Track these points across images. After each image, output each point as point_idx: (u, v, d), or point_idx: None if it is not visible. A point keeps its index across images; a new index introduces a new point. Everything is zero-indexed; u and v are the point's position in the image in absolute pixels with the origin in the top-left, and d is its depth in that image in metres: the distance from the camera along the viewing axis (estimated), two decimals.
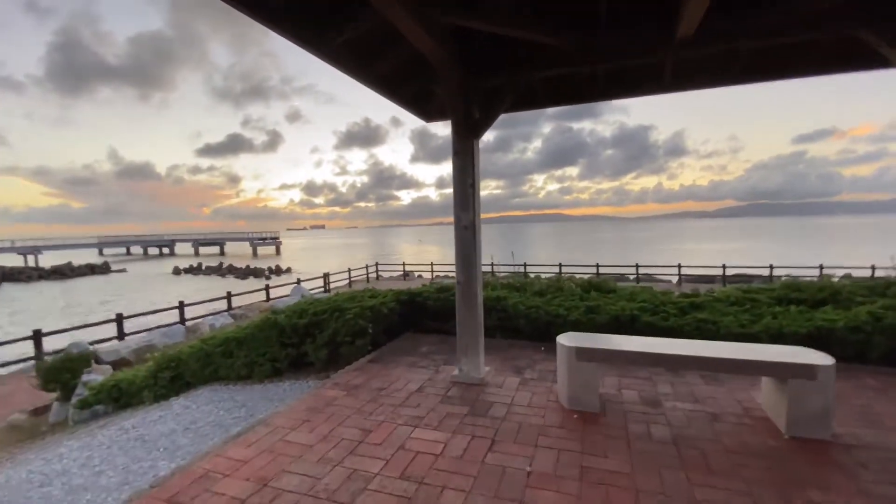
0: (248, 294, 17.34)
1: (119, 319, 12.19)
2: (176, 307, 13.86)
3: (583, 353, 3.40)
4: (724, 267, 21.96)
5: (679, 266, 22.65)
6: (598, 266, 24.33)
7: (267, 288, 17.15)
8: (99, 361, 8.13)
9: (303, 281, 20.32)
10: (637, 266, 23.57)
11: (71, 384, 7.53)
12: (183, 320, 13.67)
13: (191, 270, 49.06)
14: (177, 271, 48.87)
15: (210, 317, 12.95)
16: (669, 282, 24.74)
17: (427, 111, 4.62)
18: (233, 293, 15.67)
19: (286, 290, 16.97)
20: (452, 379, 4.13)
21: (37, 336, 10.39)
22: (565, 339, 3.61)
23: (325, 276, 20.97)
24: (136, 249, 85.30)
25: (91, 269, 50.50)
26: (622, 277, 25.69)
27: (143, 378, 6.06)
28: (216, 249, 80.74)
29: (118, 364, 8.09)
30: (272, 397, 4.81)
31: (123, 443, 4.09)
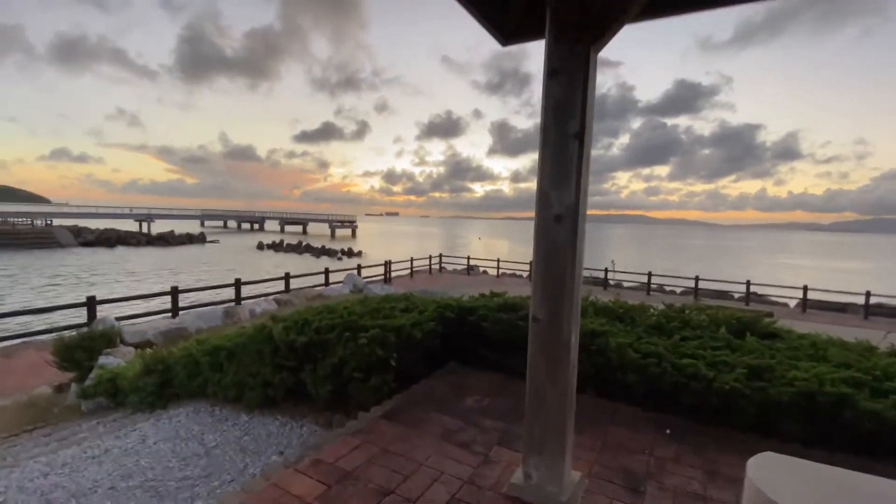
0: (310, 276, 16.76)
1: (174, 293, 11.90)
2: (232, 284, 13.46)
3: None
4: (868, 294, 17.33)
5: (805, 288, 18.36)
6: (697, 279, 20.67)
7: (326, 272, 16.38)
8: (124, 342, 7.45)
9: (364, 267, 19.46)
10: (748, 283, 19.58)
11: (86, 365, 6.87)
12: (238, 298, 13.23)
13: (273, 246, 51.77)
14: (260, 246, 51.82)
15: (253, 300, 12.22)
16: (786, 305, 20.38)
17: (503, 25, 2.76)
18: (291, 275, 15.07)
19: (341, 276, 16.06)
20: (511, 492, 2.31)
21: (91, 304, 10.22)
22: (769, 476, 1.64)
23: (387, 263, 19.91)
24: (232, 223, 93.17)
25: (189, 239, 55.36)
26: (724, 295, 21.73)
27: (132, 378, 4.98)
28: (300, 228, 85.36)
29: (142, 346, 7.35)
30: (249, 446, 3.34)
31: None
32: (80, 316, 10.49)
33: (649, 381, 3.33)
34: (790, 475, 1.73)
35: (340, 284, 13.84)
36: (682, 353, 3.45)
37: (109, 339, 7.10)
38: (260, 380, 3.83)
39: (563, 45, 2.05)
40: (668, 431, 3.07)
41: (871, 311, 17.46)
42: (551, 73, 2.08)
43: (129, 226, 62.34)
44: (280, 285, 14.86)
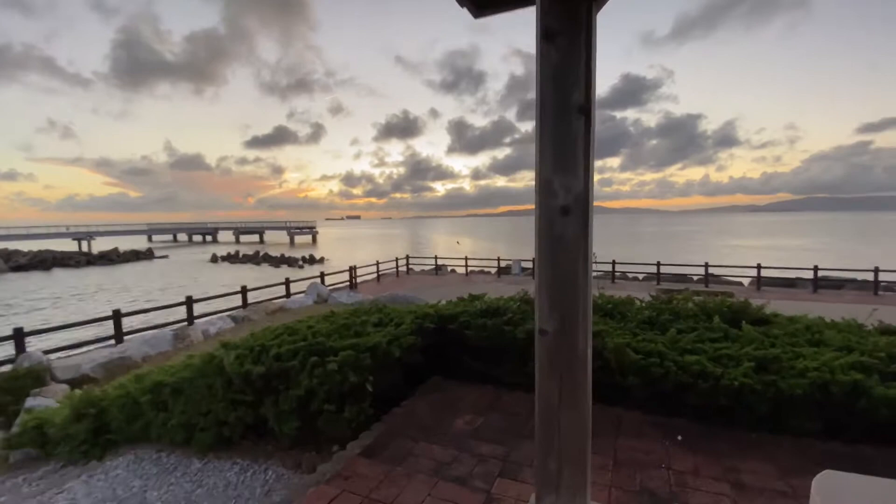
0: (269, 287, 15.80)
1: (117, 317, 10.78)
2: (183, 303, 12.42)
3: None
4: (816, 269, 18.39)
5: (759, 267, 19.28)
6: (658, 265, 21.28)
7: (287, 282, 15.50)
8: (56, 379, 6.53)
9: (328, 274, 18.65)
10: (707, 266, 20.36)
11: (12, 410, 5.96)
12: (191, 318, 12.22)
13: (228, 258, 49.32)
14: (214, 259, 49.22)
15: (207, 318, 11.30)
16: (740, 284, 21.38)
17: None
18: (249, 287, 14.11)
19: (303, 286, 15.23)
20: None
21: (18, 336, 9.02)
22: (836, 497, 1.38)
23: (352, 269, 19.18)
24: (182, 236, 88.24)
25: (136, 255, 51.83)
26: (683, 278, 22.54)
27: (60, 424, 4.25)
28: (256, 238, 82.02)
29: (78, 383, 6.45)
30: (199, 503, 2.80)
31: None
32: (8, 351, 9.28)
33: (652, 382, 3.06)
34: (858, 494, 1.48)
35: (303, 295, 13.06)
36: (682, 349, 3.22)
37: (37, 376, 6.20)
38: (212, 418, 3.27)
39: (561, 1, 1.69)
40: (679, 438, 2.81)
41: (818, 284, 18.57)
42: (547, 35, 1.72)
43: (68, 245, 57.60)
44: (237, 300, 13.90)
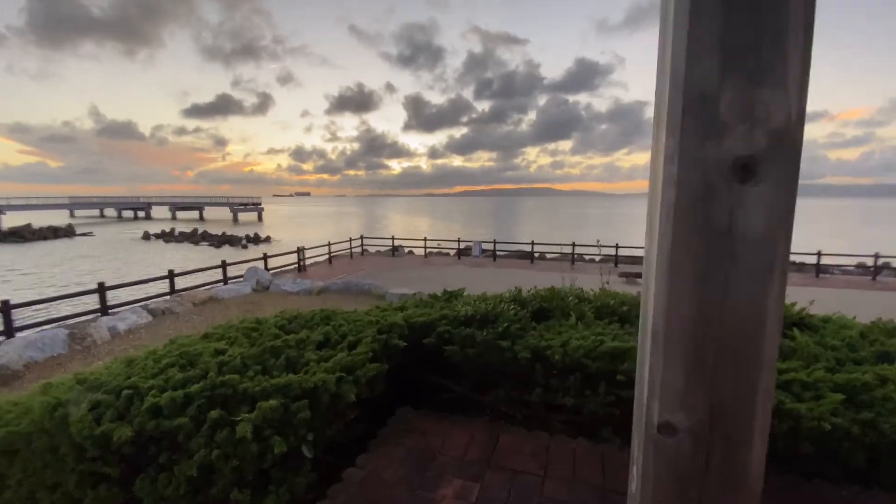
0: (204, 271, 14.00)
1: (5, 309, 8.86)
2: (95, 290, 10.55)
3: None
4: (819, 254, 18.51)
5: None
6: (617, 247, 21.30)
7: (224, 265, 13.78)
8: None
9: (274, 256, 16.98)
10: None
11: None
12: (105, 309, 10.42)
13: (162, 236, 45.25)
14: (146, 236, 44.99)
15: (120, 309, 9.59)
16: None
17: None
18: (177, 272, 12.32)
19: (244, 269, 13.57)
20: None
21: None
22: None
23: (300, 250, 17.59)
24: (111, 212, 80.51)
25: (53, 233, 46.32)
26: (639, 260, 22.76)
27: None
28: (195, 214, 76.22)
29: None
30: None
31: None
32: None
33: None
34: None
35: (242, 281, 11.52)
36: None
37: None
38: (63, 497, 2.11)
39: None
40: None
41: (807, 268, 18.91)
42: None
43: None
44: (164, 286, 12.11)
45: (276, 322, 2.73)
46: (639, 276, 16.56)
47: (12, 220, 52.36)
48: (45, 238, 44.37)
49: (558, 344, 2.56)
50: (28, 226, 46.31)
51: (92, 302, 11.01)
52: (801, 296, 3.62)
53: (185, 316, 8.68)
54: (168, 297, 10.16)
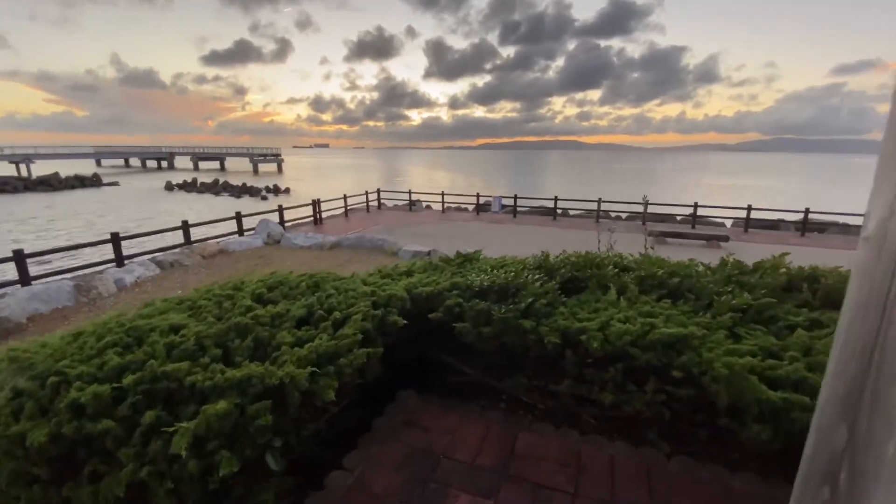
0: (220, 222, 13.79)
1: (20, 258, 8.81)
2: (108, 240, 10.44)
3: None
4: (806, 212, 17.62)
5: (749, 208, 18.43)
6: (646, 204, 20.15)
7: (238, 217, 13.51)
8: None
9: (290, 208, 16.67)
10: (696, 206, 19.50)
11: None
12: (120, 260, 10.36)
13: (184, 186, 45.57)
14: (169, 187, 45.42)
15: (131, 261, 9.44)
16: (723, 225, 20.84)
17: None
18: (191, 223, 12.12)
19: (263, 220, 13.29)
20: None
21: None
22: None
23: (315, 203, 17.18)
24: (135, 162, 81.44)
25: (80, 182, 47.22)
26: (667, 218, 21.64)
27: None
28: (216, 164, 76.41)
29: None
30: None
31: None
32: None
33: (793, 435, 1.74)
34: None
35: (253, 234, 11.24)
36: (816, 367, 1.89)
37: None
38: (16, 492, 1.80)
39: None
40: None
41: (795, 226, 18.16)
42: None
43: (4, 169, 51.78)
44: (178, 237, 11.98)
45: (254, 289, 2.28)
46: (672, 235, 15.55)
47: (41, 169, 53.42)
48: (72, 187, 45.32)
49: (596, 327, 2.05)
50: (56, 174, 47.18)
51: (108, 252, 10.99)
52: None
53: (194, 269, 8.48)
54: (178, 250, 9.98)
